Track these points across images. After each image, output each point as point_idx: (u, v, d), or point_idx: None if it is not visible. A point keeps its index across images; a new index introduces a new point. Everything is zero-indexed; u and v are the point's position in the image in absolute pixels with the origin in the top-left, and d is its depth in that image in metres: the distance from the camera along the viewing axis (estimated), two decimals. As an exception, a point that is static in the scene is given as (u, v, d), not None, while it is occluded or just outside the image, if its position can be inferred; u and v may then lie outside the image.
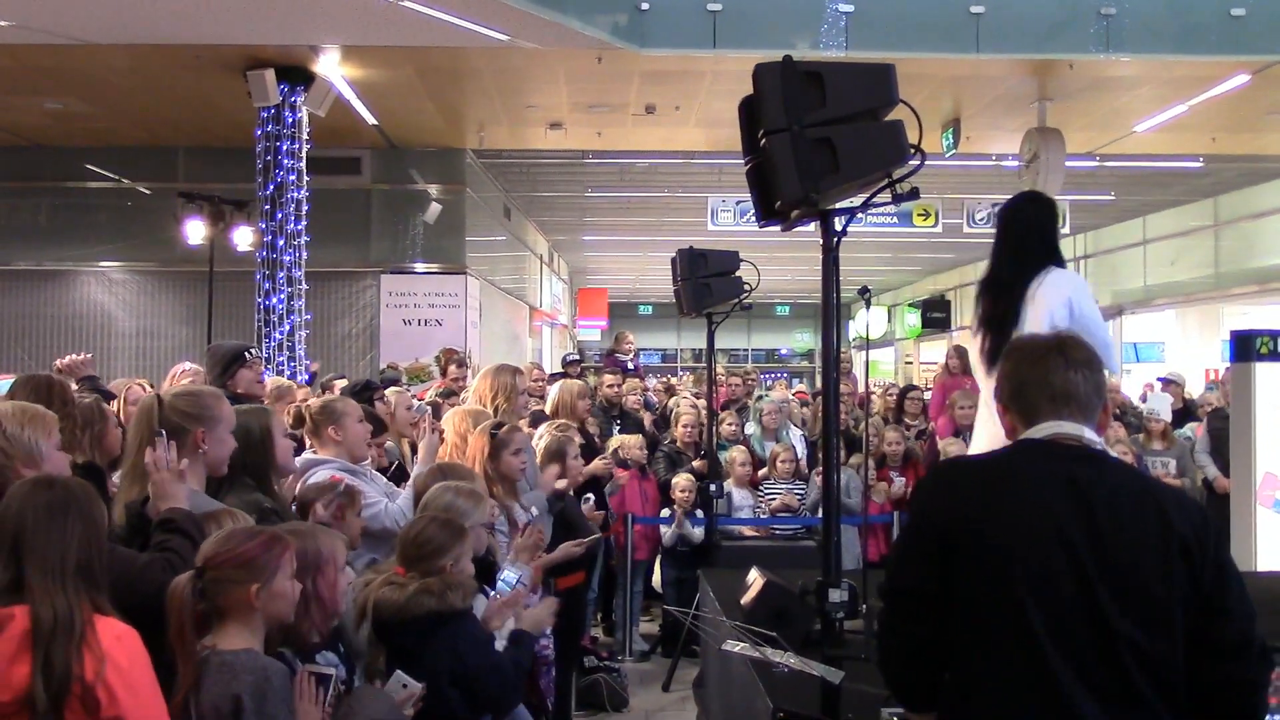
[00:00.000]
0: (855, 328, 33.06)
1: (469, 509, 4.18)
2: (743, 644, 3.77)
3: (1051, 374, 2.51)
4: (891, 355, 35.72)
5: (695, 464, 8.82)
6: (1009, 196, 5.07)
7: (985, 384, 4.71)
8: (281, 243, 11.94)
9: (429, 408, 6.98)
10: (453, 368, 9.77)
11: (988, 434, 4.63)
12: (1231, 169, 17.21)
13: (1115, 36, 10.76)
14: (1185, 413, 11.28)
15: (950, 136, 13.53)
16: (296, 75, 11.77)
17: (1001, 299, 4.68)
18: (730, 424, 9.50)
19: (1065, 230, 19.56)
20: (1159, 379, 13.27)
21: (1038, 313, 4.48)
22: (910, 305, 32.87)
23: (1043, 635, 2.29)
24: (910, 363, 33.32)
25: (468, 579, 3.81)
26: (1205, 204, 19.76)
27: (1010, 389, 2.59)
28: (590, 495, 6.84)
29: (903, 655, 2.52)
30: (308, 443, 5.12)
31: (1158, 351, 20.67)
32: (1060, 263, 4.72)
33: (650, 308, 39.13)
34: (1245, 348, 7.53)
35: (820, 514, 5.08)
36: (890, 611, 2.52)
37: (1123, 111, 13.41)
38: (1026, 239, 4.76)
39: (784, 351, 42.20)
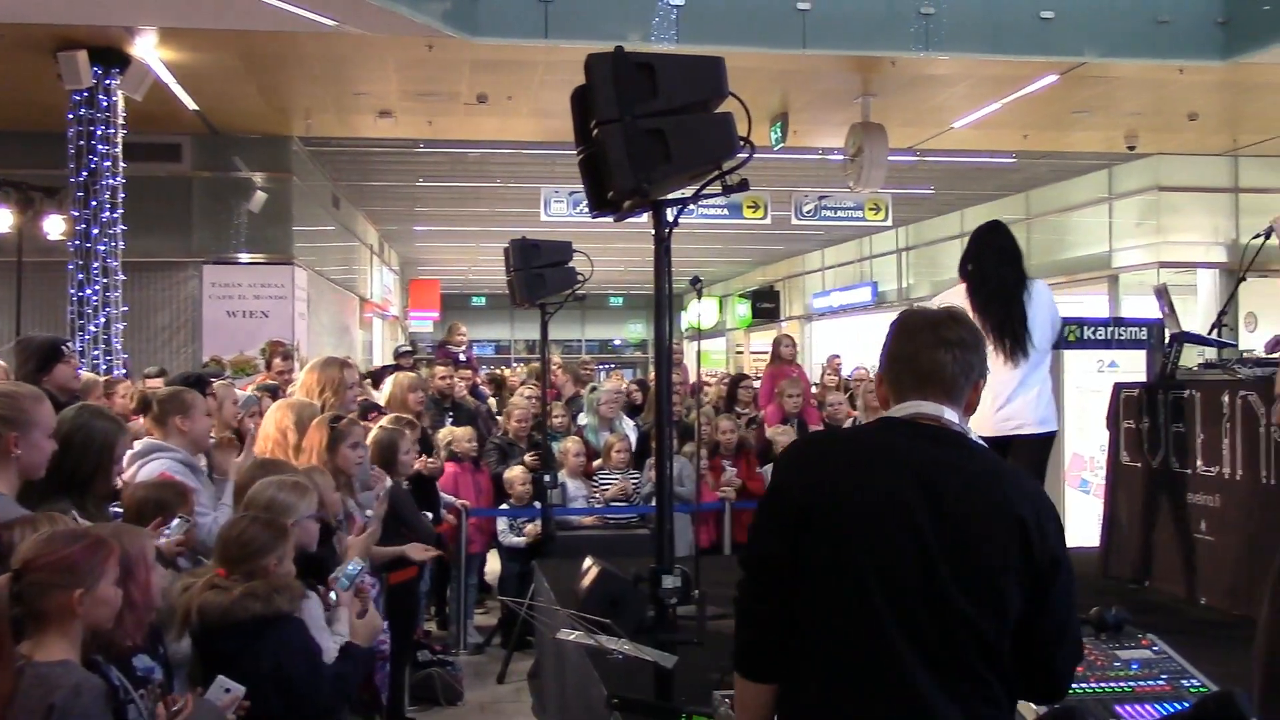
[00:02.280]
0: (687, 318, 33.48)
1: (293, 503, 4.07)
2: (577, 632, 3.78)
3: (920, 352, 2.53)
4: (723, 345, 36.29)
5: (526, 458, 8.80)
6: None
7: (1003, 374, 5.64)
8: (96, 232, 11.47)
9: (256, 398, 6.80)
10: (278, 361, 9.55)
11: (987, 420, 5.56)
12: (1042, 165, 18.00)
13: (934, 36, 11.13)
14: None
15: (779, 130, 13.78)
16: (111, 57, 11.30)
17: (1004, 301, 5.71)
18: (560, 416, 9.51)
19: (888, 223, 20.22)
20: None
21: (1040, 312, 5.77)
22: (741, 296, 33.46)
23: (884, 610, 2.34)
24: (741, 352, 33.91)
25: (294, 581, 3.72)
26: (1018, 198, 20.62)
27: (885, 362, 2.62)
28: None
29: (751, 623, 2.53)
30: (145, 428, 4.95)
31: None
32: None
33: (484, 299, 38.86)
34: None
35: (654, 502, 5.14)
36: (744, 580, 2.55)
37: (941, 108, 13.88)
38: (1015, 258, 5.89)
39: (617, 342, 42.46)
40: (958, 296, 5.81)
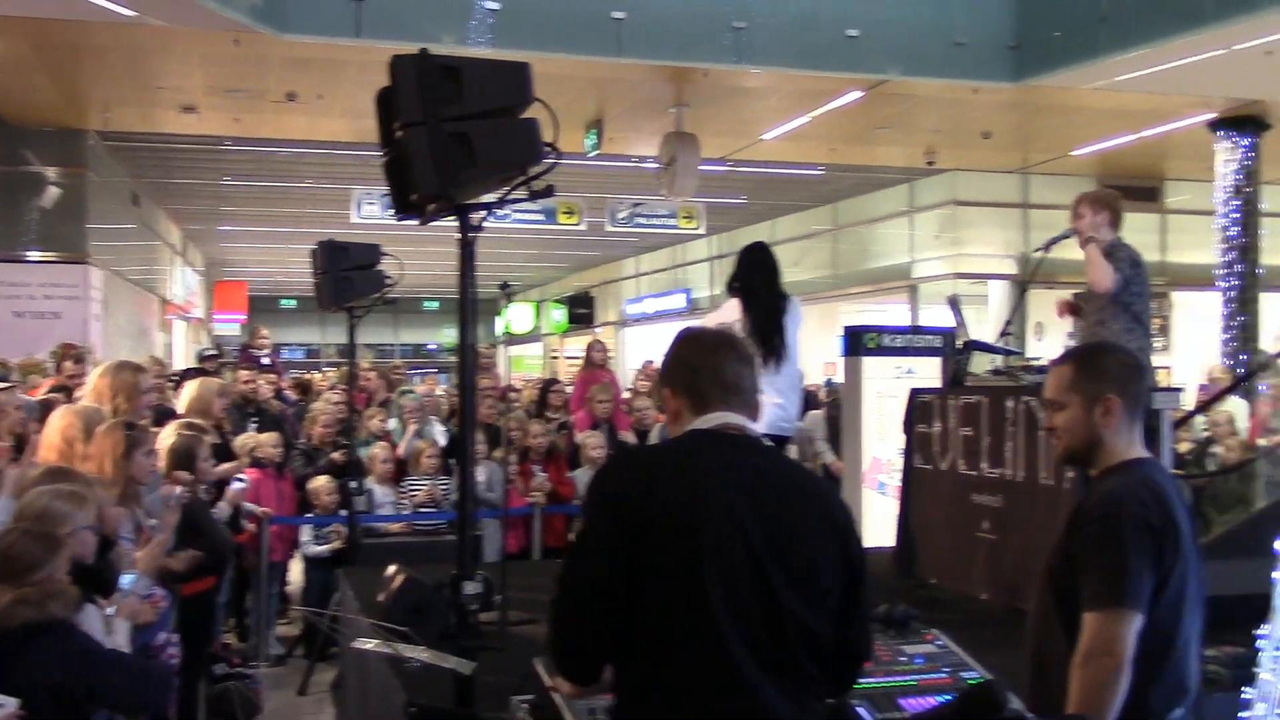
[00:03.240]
0: (502, 323, 33.37)
1: (68, 512, 3.87)
2: (375, 641, 3.73)
3: (724, 366, 2.64)
4: (539, 350, 36.28)
5: (334, 455, 8.63)
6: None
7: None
8: None
9: (38, 405, 6.48)
10: (69, 364, 9.11)
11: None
12: (848, 178, 18.59)
13: (745, 49, 11.37)
14: (806, 403, 12.03)
15: (594, 136, 13.88)
16: (-115, 40, 10.64)
17: (770, 315, 6.53)
18: (380, 420, 9.37)
19: (701, 231, 20.55)
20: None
21: (795, 326, 6.64)
22: (556, 301, 33.52)
23: (719, 610, 2.40)
24: (556, 357, 33.96)
25: (69, 587, 3.55)
26: (826, 209, 21.25)
27: (683, 376, 2.68)
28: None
29: (581, 641, 2.53)
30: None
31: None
32: None
33: (294, 301, 37.91)
34: (856, 342, 8.19)
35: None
36: (570, 596, 2.52)
37: (752, 120, 14.20)
38: (774, 274, 6.69)
39: (432, 346, 42.01)
40: (729, 312, 6.59)
